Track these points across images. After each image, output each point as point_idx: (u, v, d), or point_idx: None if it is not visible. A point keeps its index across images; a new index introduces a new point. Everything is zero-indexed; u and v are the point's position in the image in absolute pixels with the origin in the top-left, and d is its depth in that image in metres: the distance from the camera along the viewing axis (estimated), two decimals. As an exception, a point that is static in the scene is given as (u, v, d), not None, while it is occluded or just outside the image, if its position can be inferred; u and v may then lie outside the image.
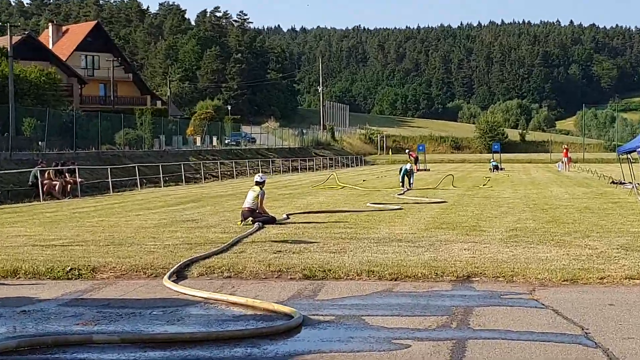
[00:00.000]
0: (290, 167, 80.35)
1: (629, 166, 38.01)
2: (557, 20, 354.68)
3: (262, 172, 53.21)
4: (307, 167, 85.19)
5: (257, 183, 21.73)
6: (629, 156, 40.97)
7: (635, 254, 14.65)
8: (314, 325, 9.73)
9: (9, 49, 59.72)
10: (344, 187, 42.13)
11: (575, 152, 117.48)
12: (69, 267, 13.69)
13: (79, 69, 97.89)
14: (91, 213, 26.38)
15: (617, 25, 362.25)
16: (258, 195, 21.01)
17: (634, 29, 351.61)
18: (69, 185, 38.51)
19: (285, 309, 10.35)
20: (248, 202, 20.94)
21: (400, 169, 42.08)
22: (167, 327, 9.74)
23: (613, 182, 43.37)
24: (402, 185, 40.63)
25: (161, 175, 49.34)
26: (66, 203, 32.83)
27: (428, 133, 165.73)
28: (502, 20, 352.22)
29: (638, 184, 34.44)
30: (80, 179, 40.06)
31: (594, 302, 10.87)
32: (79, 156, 50.24)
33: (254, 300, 10.96)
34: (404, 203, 29.52)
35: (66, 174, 39.24)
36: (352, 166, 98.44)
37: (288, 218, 22.81)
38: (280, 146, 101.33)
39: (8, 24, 62.36)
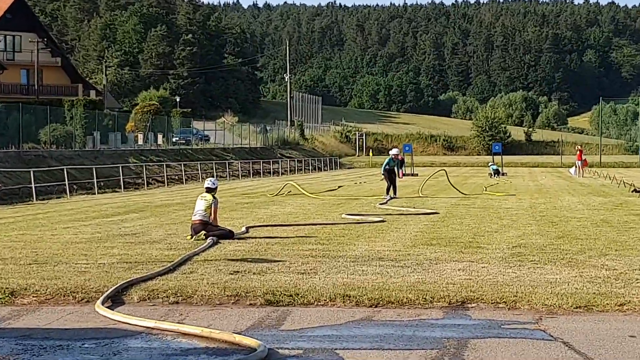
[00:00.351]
0: (251, 171, 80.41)
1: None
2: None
3: (215, 176, 53.08)
4: (271, 170, 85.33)
5: (208, 190, 21.46)
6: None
7: (661, 276, 14.77)
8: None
9: None
10: (311, 196, 42.06)
11: (591, 154, 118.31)
12: (-17, 291, 13.64)
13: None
14: (10, 225, 26.25)
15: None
16: (210, 204, 20.92)
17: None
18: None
19: (249, 340, 10.30)
20: (199, 213, 20.83)
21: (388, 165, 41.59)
22: (101, 363, 9.71)
23: (635, 191, 43.60)
24: (387, 192, 40.69)
25: (95, 180, 49.22)
26: (-20, 213, 32.64)
27: (416, 131, 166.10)
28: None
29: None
30: (0, 184, 39.89)
31: (612, 333, 10.93)
32: (-3, 157, 50.04)
33: (211, 331, 10.88)
34: (386, 214, 29.55)
35: (-20, 179, 39.06)
36: (325, 170, 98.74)
37: (247, 232, 22.82)
38: (239, 145, 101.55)
39: None
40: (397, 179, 42.68)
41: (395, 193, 40.54)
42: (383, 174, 41.78)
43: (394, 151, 42.75)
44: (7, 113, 66.96)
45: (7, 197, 40.56)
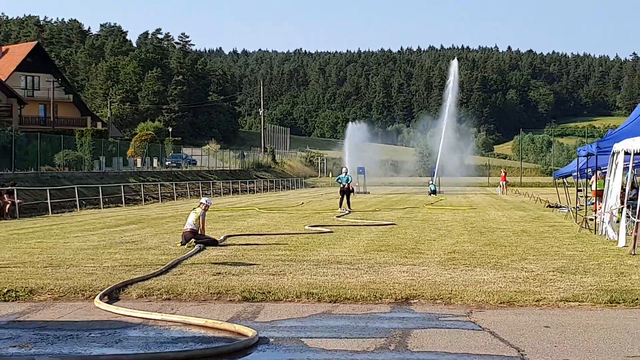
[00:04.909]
0: (231, 189, 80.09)
1: (564, 190, 38.62)
2: (495, 46, 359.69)
3: (203, 194, 52.95)
4: (248, 189, 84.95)
5: (203, 205, 21.51)
6: (564, 180, 41.69)
7: (571, 277, 14.83)
8: (253, 349, 9.70)
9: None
10: (265, 211, 41.88)
11: (513, 175, 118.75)
12: (6, 289, 13.52)
13: (18, 90, 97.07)
14: (29, 234, 26.04)
15: (553, 51, 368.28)
16: (199, 216, 20.91)
17: (570, 55, 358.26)
18: (7, 206, 38.07)
19: (246, 329, 10.29)
20: (190, 224, 20.80)
21: (340, 179, 42.40)
22: (105, 349, 9.65)
23: (549, 206, 43.90)
24: (340, 206, 40.74)
25: (101, 197, 48.91)
26: (4, 224, 32.35)
27: (368, 156, 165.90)
28: (442, 45, 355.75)
29: (573, 207, 34.92)
30: (19, 200, 39.59)
31: (530, 324, 10.97)
32: (18, 177, 49.67)
33: (215, 321, 10.90)
34: (351, 225, 29.56)
35: (4, 195, 38.80)
36: (292, 188, 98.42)
37: (225, 239, 22.74)
38: (221, 168, 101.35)
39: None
40: (351, 196, 43.03)
41: (349, 207, 40.60)
42: (341, 185, 42.34)
43: (343, 171, 43.35)
44: (27, 141, 66.55)
45: (27, 211, 40.22)
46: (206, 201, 21.82)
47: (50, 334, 10.54)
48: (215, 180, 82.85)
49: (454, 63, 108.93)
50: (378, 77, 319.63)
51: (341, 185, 42.52)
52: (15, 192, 40.00)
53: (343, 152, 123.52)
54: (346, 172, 44.49)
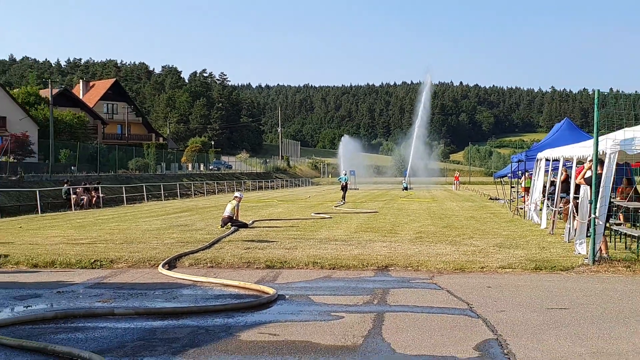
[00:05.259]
0: (257, 187, 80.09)
1: (502, 187, 38.79)
2: (451, 81, 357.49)
3: (236, 190, 52.98)
4: (270, 186, 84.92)
5: (237, 198, 21.58)
6: (501, 180, 41.72)
7: (506, 250, 14.86)
8: (274, 303, 9.73)
9: (50, 99, 59.26)
10: (292, 201, 41.96)
11: (464, 176, 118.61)
12: (93, 259, 13.59)
13: (102, 114, 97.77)
14: (110, 219, 26.12)
15: (493, 85, 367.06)
16: (234, 207, 20.95)
17: (505, 88, 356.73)
18: (94, 199, 38.21)
19: (267, 288, 10.35)
20: (227, 212, 20.83)
21: (340, 179, 44.01)
22: (166, 303, 9.69)
23: (490, 199, 43.86)
24: (343, 198, 41.07)
25: (162, 192, 48.96)
26: (91, 212, 32.43)
27: (357, 162, 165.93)
28: (412, 81, 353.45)
29: (508, 200, 34.94)
30: (102, 195, 39.75)
31: (476, 285, 11.01)
32: (101, 178, 49.88)
33: (245, 283, 10.95)
34: (344, 212, 29.58)
35: (92, 191, 38.97)
36: (301, 186, 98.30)
37: (253, 223, 22.77)
38: (250, 171, 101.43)
39: (49, 80, 61.91)
40: (347, 191, 43.24)
41: (343, 199, 40.66)
42: (341, 183, 43.30)
43: (343, 172, 43.99)
44: (108, 151, 66.87)
45: (108, 202, 40.30)
46: (239, 195, 21.86)
47: (125, 292, 10.60)
48: (245, 180, 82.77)
49: (423, 96, 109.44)
50: (364, 104, 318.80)
51: (341, 183, 43.35)
52: (99, 188, 40.23)
53: (338, 159, 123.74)
54: (345, 174, 45.53)
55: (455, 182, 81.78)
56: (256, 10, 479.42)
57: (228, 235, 18.45)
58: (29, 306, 9.54)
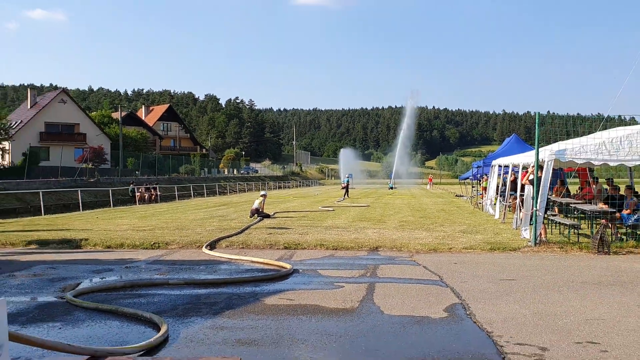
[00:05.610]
0: (277, 186, 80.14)
1: (465, 187, 38.74)
2: (426, 106, 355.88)
3: (262, 189, 53.08)
4: (286, 186, 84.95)
5: (263, 195, 21.67)
6: (464, 182, 41.69)
7: (468, 235, 14.83)
8: (290, 275, 9.74)
9: (119, 120, 59.52)
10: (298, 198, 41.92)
11: (436, 178, 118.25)
12: (153, 242, 13.62)
13: (159, 131, 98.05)
14: (165, 212, 26.19)
15: (458, 108, 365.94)
16: (261, 201, 20.99)
17: (467, 110, 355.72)
18: (153, 196, 38.30)
19: (285, 264, 10.35)
20: (255, 205, 20.83)
21: (343, 181, 44.94)
22: (208, 275, 9.71)
23: (456, 196, 43.74)
24: (345, 195, 41.21)
25: (205, 191, 49.15)
26: (152, 206, 32.52)
27: (354, 167, 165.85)
28: (396, 105, 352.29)
29: (470, 196, 34.87)
30: (159, 193, 39.85)
31: (446, 262, 11.00)
32: (158, 179, 49.95)
33: (268, 260, 10.93)
34: (343, 206, 29.59)
35: (152, 190, 39.08)
36: (311, 186, 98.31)
37: (274, 214, 22.79)
38: (271, 174, 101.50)
39: (119, 105, 62.56)
40: (349, 190, 43.50)
41: (346, 196, 40.63)
42: (343, 185, 43.87)
43: (345, 176, 44.30)
44: (164, 159, 67.08)
45: (163, 199, 40.43)
46: (264, 193, 21.90)
47: (177, 267, 10.63)
48: (268, 181, 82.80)
49: (405, 121, 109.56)
50: (359, 123, 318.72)
51: (343, 184, 44.11)
52: (157, 188, 40.33)
53: (339, 165, 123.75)
54: (347, 177, 46.20)
55: (429, 183, 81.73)
56: (276, 50, 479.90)
57: (255, 223, 18.45)
58: (104, 278, 9.59)
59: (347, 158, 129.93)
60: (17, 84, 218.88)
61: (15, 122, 63.47)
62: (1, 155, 53.80)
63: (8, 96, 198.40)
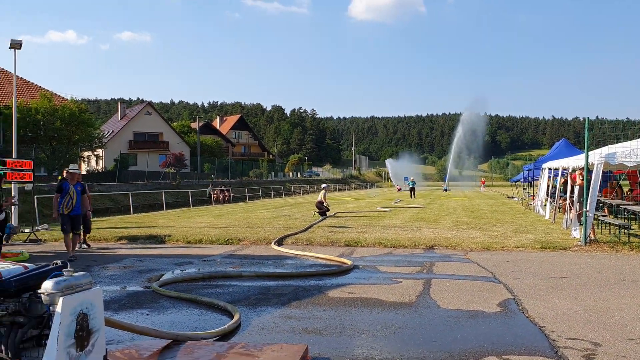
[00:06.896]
0: (337, 189, 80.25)
1: (516, 189, 37.68)
2: (478, 112, 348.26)
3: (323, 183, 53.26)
4: (346, 188, 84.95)
5: (324, 187, 22.17)
6: (515, 184, 40.54)
7: (521, 235, 14.42)
8: (351, 271, 9.72)
9: (197, 129, 61.11)
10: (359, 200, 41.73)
11: (488, 181, 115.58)
12: (227, 238, 13.88)
13: (231, 139, 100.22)
14: (237, 211, 26.68)
15: (509, 114, 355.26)
16: (323, 194, 21.45)
17: (518, 117, 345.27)
18: (227, 197, 39.07)
19: (346, 260, 10.29)
20: (319, 197, 21.76)
21: (408, 183, 44.80)
22: (276, 269, 9.81)
23: (508, 197, 42.62)
24: (411, 196, 41.14)
25: (272, 192, 49.76)
26: (225, 206, 33.19)
27: (409, 171, 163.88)
28: (449, 112, 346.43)
29: (521, 198, 33.89)
30: (232, 194, 40.62)
31: (498, 260, 10.72)
32: (231, 182, 50.93)
33: (331, 256, 10.92)
34: (400, 207, 29.32)
35: (225, 192, 39.87)
36: (369, 188, 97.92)
37: (335, 214, 22.83)
38: (332, 177, 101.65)
39: (197, 116, 64.31)
40: (401, 192, 42.99)
41: (413, 196, 40.33)
42: (401, 187, 43.65)
43: (411, 178, 44.88)
44: (235, 165, 68.29)
45: (236, 199, 41.20)
46: (325, 186, 22.40)
47: (249, 261, 10.79)
48: (328, 184, 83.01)
49: (459, 127, 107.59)
50: (415, 129, 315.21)
51: (409, 186, 44.35)
52: (230, 190, 41.12)
53: (390, 170, 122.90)
54: (412, 180, 45.98)
55: (482, 185, 79.70)
56: (335, 65, 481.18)
57: (318, 222, 18.53)
58: (184, 270, 9.85)
59: (403, 162, 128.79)
60: (109, 98, 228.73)
61: (108, 132, 66.32)
62: (96, 161, 56.29)
63: (101, 109, 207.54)
